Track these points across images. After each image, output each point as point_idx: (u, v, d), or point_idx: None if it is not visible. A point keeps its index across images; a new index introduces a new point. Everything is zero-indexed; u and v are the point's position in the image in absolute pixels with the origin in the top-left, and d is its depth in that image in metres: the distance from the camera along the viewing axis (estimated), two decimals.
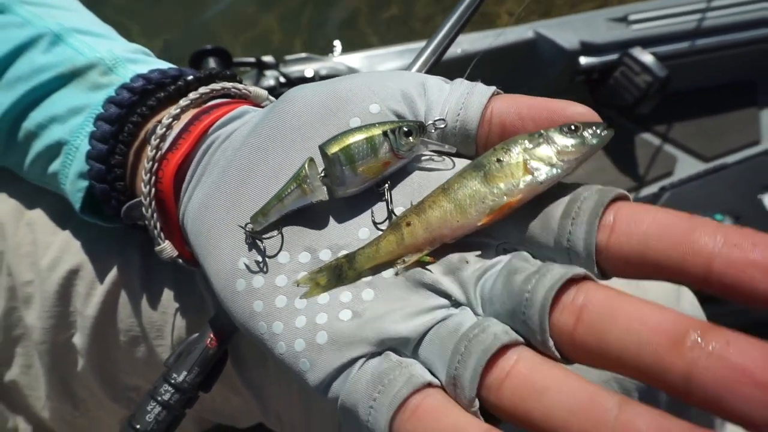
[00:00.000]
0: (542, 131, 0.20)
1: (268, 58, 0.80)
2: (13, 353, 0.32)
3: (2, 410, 0.34)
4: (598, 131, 0.19)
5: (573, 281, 0.18)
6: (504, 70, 0.97)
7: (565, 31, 0.93)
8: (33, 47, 0.28)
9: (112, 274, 0.30)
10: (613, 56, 0.93)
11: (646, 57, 0.91)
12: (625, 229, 0.17)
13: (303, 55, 0.86)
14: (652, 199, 0.85)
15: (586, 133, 0.19)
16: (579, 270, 0.18)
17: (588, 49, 0.93)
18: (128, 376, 0.32)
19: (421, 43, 0.91)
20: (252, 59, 0.79)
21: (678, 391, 0.15)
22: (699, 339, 0.15)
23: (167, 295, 0.30)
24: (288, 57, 0.86)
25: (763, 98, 1.08)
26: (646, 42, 0.93)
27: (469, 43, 0.92)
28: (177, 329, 0.30)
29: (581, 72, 0.95)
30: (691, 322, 0.16)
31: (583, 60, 0.93)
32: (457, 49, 0.91)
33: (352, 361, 0.19)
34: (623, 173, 1.02)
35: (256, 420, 0.37)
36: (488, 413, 0.18)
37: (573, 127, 0.19)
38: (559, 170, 0.19)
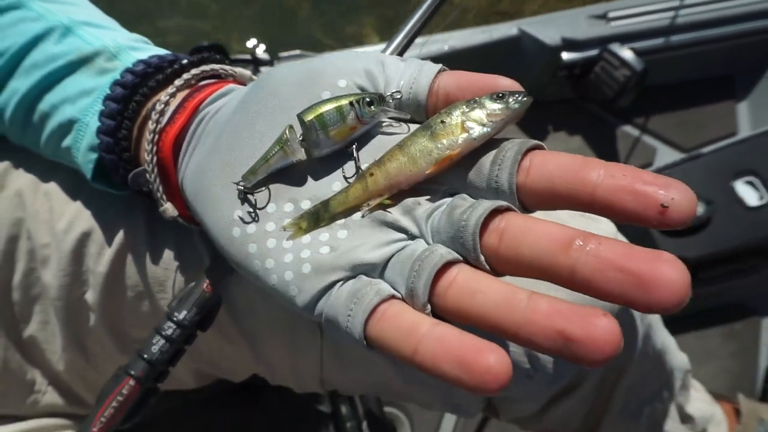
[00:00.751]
0: (476, 99, 0.24)
1: (263, 55, 0.84)
2: (32, 311, 0.36)
3: (22, 364, 0.38)
4: (520, 98, 0.24)
5: (498, 211, 0.22)
6: (490, 65, 1.01)
7: (548, 28, 0.97)
8: (46, 38, 0.32)
9: (120, 235, 0.34)
10: (594, 52, 0.97)
11: (625, 52, 0.95)
12: (537, 170, 0.22)
13: (296, 51, 0.90)
14: None
15: (510, 100, 0.24)
16: (502, 203, 0.22)
17: (569, 45, 0.97)
18: (135, 329, 0.36)
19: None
20: (248, 56, 0.84)
21: (567, 282, 0.20)
22: (581, 242, 0.20)
23: (168, 253, 0.34)
24: (282, 54, 0.91)
25: (740, 92, 1.12)
26: (624, 38, 0.97)
27: (457, 39, 0.96)
28: (177, 283, 0.34)
29: (563, 67, 0.99)
30: (577, 233, 0.20)
31: (565, 55, 0.98)
32: (444, 46, 0.96)
33: (332, 284, 0.24)
34: None
35: (249, 372, 0.41)
36: (437, 318, 0.22)
37: (500, 95, 0.24)
38: (488, 129, 0.24)
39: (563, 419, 0.46)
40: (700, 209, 0.84)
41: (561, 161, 0.22)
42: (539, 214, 0.23)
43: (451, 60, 0.96)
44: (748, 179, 0.88)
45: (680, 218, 0.19)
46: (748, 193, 0.87)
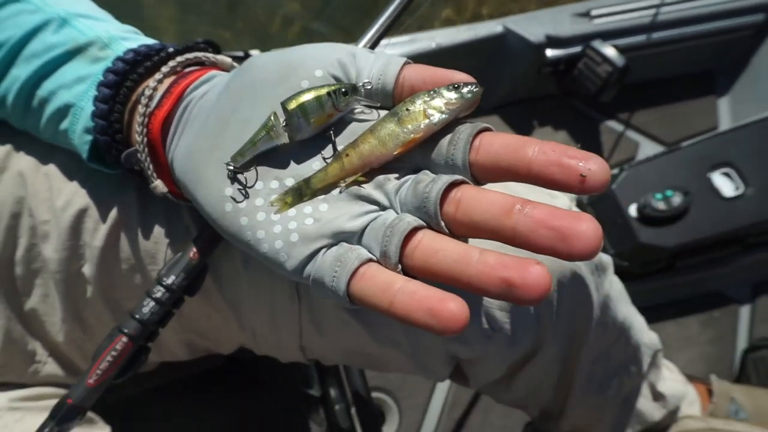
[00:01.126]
0: (436, 89, 0.27)
1: (255, 52, 0.87)
2: (33, 284, 0.39)
3: (23, 335, 0.41)
4: (472, 88, 0.27)
5: (454, 184, 0.26)
6: (477, 61, 1.04)
7: (532, 26, 1.00)
8: (44, 29, 0.34)
9: (114, 212, 0.37)
10: (577, 49, 1.00)
11: (607, 49, 0.98)
12: (485, 149, 0.25)
13: None
14: (613, 178, 0.93)
15: (464, 90, 0.27)
16: (458, 177, 0.26)
17: (553, 42, 1.00)
18: (128, 301, 0.39)
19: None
20: (240, 53, 0.86)
21: (510, 239, 0.24)
22: (519, 207, 0.23)
23: (159, 227, 0.37)
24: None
25: (720, 87, 1.16)
26: (606, 35, 1.01)
27: (443, 36, 0.99)
28: (167, 255, 0.36)
29: (548, 64, 1.02)
30: (517, 200, 0.23)
31: (549, 52, 1.01)
32: (431, 43, 0.99)
33: (317, 251, 0.27)
34: None
35: (235, 342, 0.44)
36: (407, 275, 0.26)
37: (456, 86, 0.27)
38: (446, 115, 0.27)
39: (532, 389, 0.49)
40: (678, 199, 0.87)
41: (504, 141, 0.25)
42: (496, 187, 0.26)
43: (439, 56, 0.99)
44: (725, 171, 0.91)
45: (597, 185, 0.22)
46: (724, 184, 0.90)
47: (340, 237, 0.27)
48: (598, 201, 0.94)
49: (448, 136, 0.26)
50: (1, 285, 0.38)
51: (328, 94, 0.28)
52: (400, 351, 0.40)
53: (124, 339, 0.31)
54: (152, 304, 0.32)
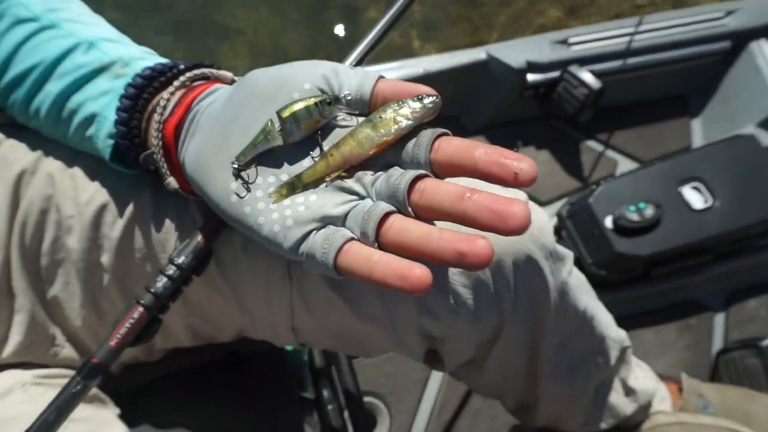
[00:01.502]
0: (404, 100, 0.33)
1: None
2: (57, 273, 0.44)
3: (45, 321, 0.45)
4: (433, 99, 0.33)
5: (419, 178, 0.31)
6: (463, 86, 1.11)
7: (514, 53, 1.07)
8: (75, 51, 0.40)
9: (131, 207, 0.42)
10: (556, 73, 1.08)
11: (583, 73, 1.06)
12: (442, 150, 0.31)
13: None
14: (589, 192, 0.98)
15: (426, 101, 0.33)
16: (422, 171, 0.31)
17: (534, 67, 1.07)
18: (140, 288, 0.43)
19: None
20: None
21: (461, 220, 0.29)
22: (469, 195, 0.29)
23: (169, 221, 0.42)
24: None
25: (693, 109, 1.23)
26: (583, 61, 1.08)
27: (430, 63, 1.06)
28: (176, 244, 0.42)
29: (529, 87, 1.09)
30: (467, 189, 0.29)
31: (530, 77, 1.08)
32: (420, 69, 1.06)
33: (309, 232, 0.33)
34: (570, 175, 1.16)
35: (235, 327, 0.49)
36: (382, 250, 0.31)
37: (420, 98, 0.33)
38: (411, 121, 0.32)
39: (503, 374, 0.54)
40: (650, 211, 0.93)
41: (458, 143, 0.31)
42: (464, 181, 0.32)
43: (426, 81, 1.05)
44: (694, 185, 0.97)
45: (526, 181, 0.28)
46: (694, 197, 0.96)
47: (327, 221, 0.33)
48: (576, 213, 0.99)
49: (414, 139, 0.32)
50: (28, 274, 0.44)
51: (316, 104, 0.34)
52: (380, 326, 0.45)
53: (141, 309, 0.36)
54: (165, 280, 0.37)
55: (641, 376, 0.70)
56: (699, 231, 0.94)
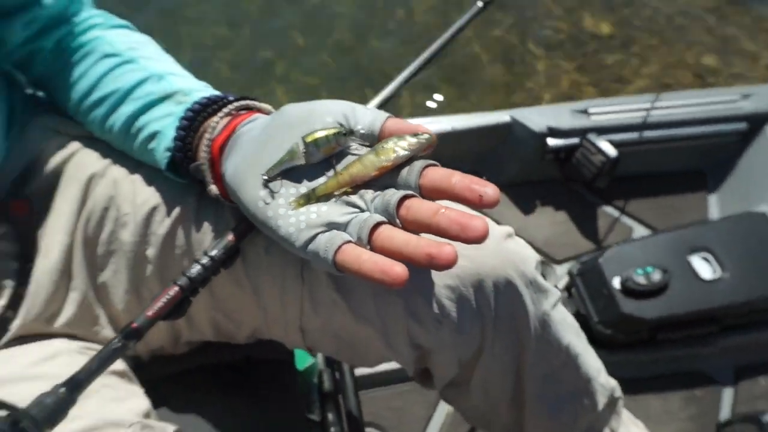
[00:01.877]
0: (404, 135, 0.40)
1: None
2: (109, 261, 0.52)
3: (93, 302, 0.53)
4: (427, 137, 0.40)
5: (407, 197, 0.38)
6: (487, 144, 1.20)
7: (536, 117, 1.16)
8: (146, 81, 0.50)
9: (177, 209, 0.50)
10: (575, 140, 1.15)
11: (601, 142, 1.12)
12: (428, 177, 0.38)
13: None
14: (600, 253, 1.03)
15: (421, 137, 0.40)
16: (410, 192, 0.38)
17: (554, 132, 1.15)
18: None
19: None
20: None
21: (435, 231, 0.35)
22: (443, 211, 0.35)
23: (207, 223, 0.50)
24: None
25: (711, 184, 1.27)
26: (601, 130, 1.15)
27: (458, 121, 1.15)
28: (212, 242, 0.49)
29: (550, 151, 1.16)
30: (441, 206, 0.35)
31: (551, 141, 1.15)
32: (448, 126, 1.15)
33: (316, 234, 0.39)
34: (586, 237, 1.20)
35: (251, 324, 0.55)
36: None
37: (416, 134, 0.40)
38: (408, 152, 0.39)
39: (489, 400, 0.58)
40: (657, 276, 0.97)
41: (441, 172, 0.38)
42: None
43: (453, 137, 1.14)
44: (703, 255, 1.00)
45: (490, 203, 0.35)
46: (702, 266, 0.99)
47: (332, 226, 0.39)
48: (586, 272, 1.03)
49: (408, 167, 0.39)
50: (86, 259, 0.52)
51: (334, 134, 0.42)
52: (375, 329, 0.50)
53: (176, 288, 0.43)
54: (198, 267, 0.44)
55: (634, 430, 0.72)
56: (705, 300, 0.96)
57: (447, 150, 1.13)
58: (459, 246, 0.35)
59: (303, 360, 0.85)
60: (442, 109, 1.77)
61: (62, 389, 0.38)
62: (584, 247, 1.19)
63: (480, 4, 0.87)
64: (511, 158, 1.21)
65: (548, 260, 1.17)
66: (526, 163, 1.21)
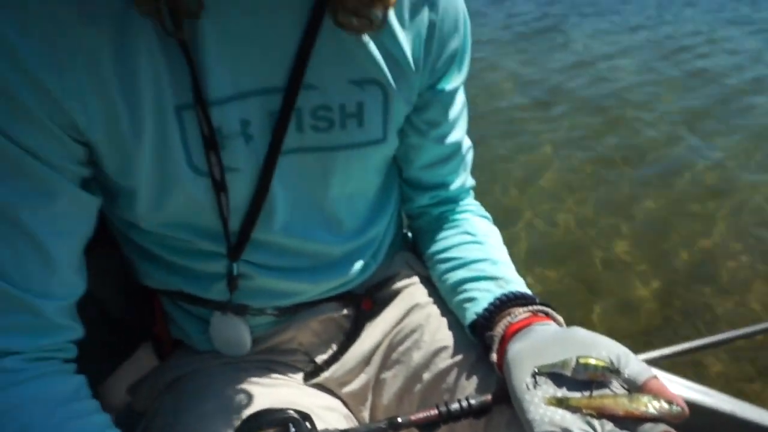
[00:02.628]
0: (660, 398, 0.49)
1: None
2: (394, 367, 0.70)
3: (370, 388, 0.71)
4: (679, 409, 0.47)
5: None
6: None
7: None
8: (485, 261, 0.67)
9: (459, 356, 0.66)
10: None
11: None
12: None
13: None
14: None
15: (674, 407, 0.47)
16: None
17: None
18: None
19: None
20: None
21: None
22: None
23: (476, 377, 0.64)
24: None
25: None
26: None
27: (720, 401, 1.08)
28: (473, 393, 0.61)
29: None
30: None
31: None
32: (716, 404, 1.08)
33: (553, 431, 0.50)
34: None
35: None
36: None
37: (670, 402, 0.48)
38: (656, 413, 0.47)
39: None
40: None
41: None
42: None
43: (718, 417, 1.06)
44: None
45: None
46: None
47: (562, 428, 0.49)
48: None
49: (651, 424, 0.48)
50: (382, 358, 0.71)
51: (603, 366, 0.53)
52: None
53: (436, 411, 0.56)
54: (457, 405, 0.58)
55: None
56: None
57: (701, 421, 1.06)
58: None
59: None
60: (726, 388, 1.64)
61: None
62: None
63: None
64: None
65: None
66: None
